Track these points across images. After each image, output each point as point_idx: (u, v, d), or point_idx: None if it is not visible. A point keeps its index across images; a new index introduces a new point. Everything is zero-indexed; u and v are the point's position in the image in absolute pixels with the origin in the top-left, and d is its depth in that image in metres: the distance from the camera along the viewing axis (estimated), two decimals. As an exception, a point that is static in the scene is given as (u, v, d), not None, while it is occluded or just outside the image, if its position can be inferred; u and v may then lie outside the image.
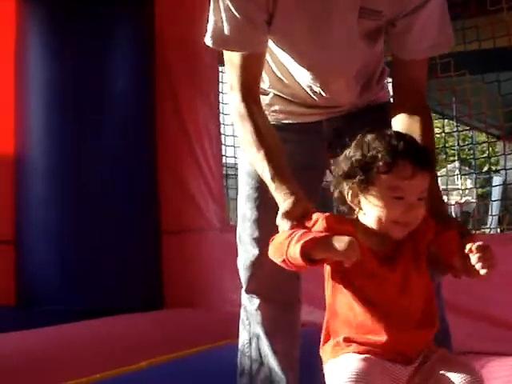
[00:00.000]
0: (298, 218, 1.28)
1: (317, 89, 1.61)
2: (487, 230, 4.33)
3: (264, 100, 1.62)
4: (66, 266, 3.54)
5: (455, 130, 4.98)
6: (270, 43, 1.55)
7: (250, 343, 1.75)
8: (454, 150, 6.51)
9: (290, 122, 1.69)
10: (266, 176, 1.40)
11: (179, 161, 3.83)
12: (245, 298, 1.75)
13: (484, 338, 2.74)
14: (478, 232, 4.17)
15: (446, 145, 5.22)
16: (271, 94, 1.67)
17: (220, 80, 3.85)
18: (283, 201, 1.32)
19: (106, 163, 3.67)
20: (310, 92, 1.62)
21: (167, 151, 3.85)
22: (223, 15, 1.45)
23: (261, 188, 1.58)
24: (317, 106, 1.66)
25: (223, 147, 3.85)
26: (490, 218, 5.55)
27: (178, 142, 3.83)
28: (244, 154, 1.59)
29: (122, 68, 3.81)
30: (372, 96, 1.71)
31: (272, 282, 1.66)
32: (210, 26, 1.50)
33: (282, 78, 1.62)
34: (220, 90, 3.85)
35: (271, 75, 1.63)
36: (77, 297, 3.49)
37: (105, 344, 2.82)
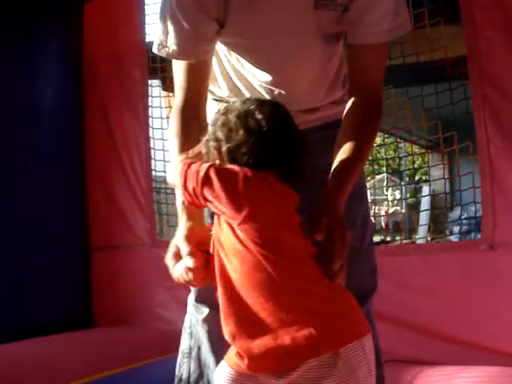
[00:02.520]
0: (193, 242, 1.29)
1: (277, 91, 1.55)
2: (415, 240, 4.43)
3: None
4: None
5: (384, 141, 5.09)
6: (226, 50, 1.53)
7: (190, 353, 1.69)
8: (383, 160, 6.67)
9: None
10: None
11: (108, 176, 3.78)
12: (192, 306, 1.68)
13: (412, 346, 2.79)
14: (406, 241, 4.27)
15: (378, 155, 5.33)
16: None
17: (150, 94, 3.82)
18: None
19: (33, 178, 3.58)
20: (268, 96, 1.55)
21: (96, 166, 3.80)
22: (171, 24, 1.43)
23: None
24: None
25: (153, 161, 3.82)
26: (420, 227, 5.70)
27: (108, 156, 3.77)
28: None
29: (49, 82, 3.74)
30: (334, 107, 1.62)
31: None
32: (157, 35, 1.47)
33: (240, 85, 1.58)
34: (149, 104, 3.81)
35: (229, 83, 1.59)
36: (1, 317, 3.37)
37: (33, 365, 2.75)
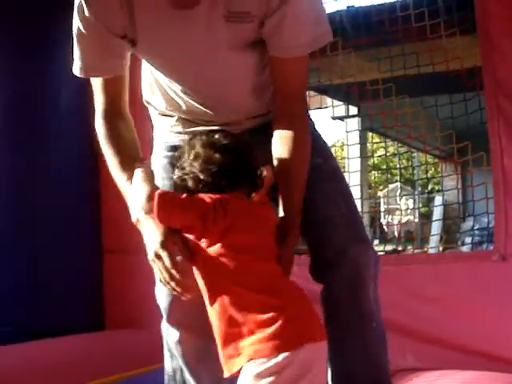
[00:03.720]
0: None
1: (210, 104, 1.54)
2: (427, 250, 4.43)
3: (169, 122, 1.62)
4: (2, 285, 3.44)
5: (397, 151, 5.10)
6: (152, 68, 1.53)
7: (175, 376, 1.69)
8: (396, 170, 6.67)
9: None
10: (121, 182, 1.51)
11: (123, 179, 3.78)
12: (164, 329, 1.67)
13: (421, 355, 2.78)
14: (417, 251, 4.27)
15: (390, 165, 5.34)
16: (176, 117, 1.61)
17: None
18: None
19: (47, 180, 3.59)
20: (204, 109, 1.55)
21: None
22: (78, 42, 1.46)
23: None
24: (216, 124, 1.56)
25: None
26: (431, 237, 5.68)
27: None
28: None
29: (67, 80, 3.75)
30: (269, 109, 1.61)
31: (193, 311, 1.50)
32: (74, 57, 1.48)
33: (177, 99, 1.56)
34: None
35: (167, 98, 1.58)
36: (14, 318, 3.39)
37: (42, 366, 2.76)
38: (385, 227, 6.23)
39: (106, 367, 2.76)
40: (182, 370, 1.66)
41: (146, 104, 1.67)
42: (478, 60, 2.90)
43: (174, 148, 1.58)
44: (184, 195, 1.30)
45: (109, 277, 3.77)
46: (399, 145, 4.84)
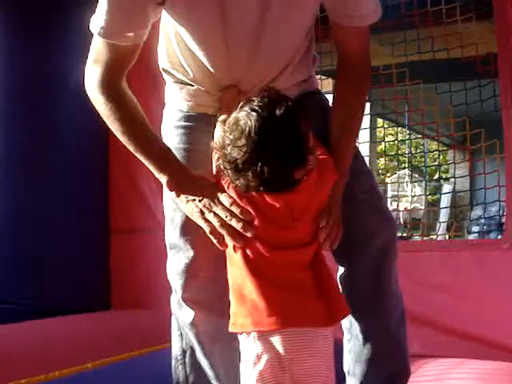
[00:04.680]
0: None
1: (236, 71, 1.46)
2: (434, 237, 4.41)
3: (188, 90, 1.54)
4: (10, 264, 3.45)
5: (407, 137, 5.06)
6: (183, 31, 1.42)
7: (184, 356, 1.64)
8: (405, 157, 6.63)
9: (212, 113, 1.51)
10: (142, 147, 1.48)
11: (131, 159, 3.74)
12: (176, 307, 1.61)
13: (429, 342, 2.78)
14: (425, 238, 4.25)
15: (399, 152, 5.31)
16: (195, 87, 1.53)
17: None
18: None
19: (56, 158, 3.59)
20: (225, 75, 1.48)
21: (119, 149, 3.78)
22: (110, 6, 1.34)
23: None
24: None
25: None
26: (439, 224, 5.66)
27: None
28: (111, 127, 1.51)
29: (74, 64, 3.74)
30: (301, 82, 1.58)
31: (210, 287, 1.52)
32: (98, 16, 1.37)
33: (209, 67, 1.47)
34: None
35: (189, 63, 1.49)
36: (21, 296, 3.40)
37: (50, 345, 2.76)
38: (392, 214, 6.20)
39: (111, 346, 2.76)
40: (192, 350, 1.62)
41: (162, 71, 1.60)
42: (494, 46, 2.87)
43: (189, 118, 1.56)
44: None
45: (115, 257, 3.78)
46: (409, 132, 4.80)
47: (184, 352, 1.64)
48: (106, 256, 3.78)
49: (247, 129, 1.18)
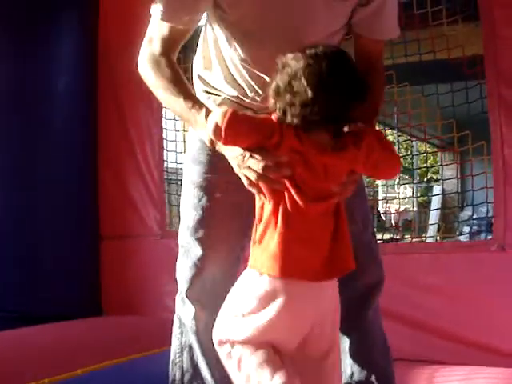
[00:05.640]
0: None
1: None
2: (425, 239, 4.42)
3: (215, 101, 1.59)
4: (0, 272, 3.44)
5: (396, 139, 5.06)
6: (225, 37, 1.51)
7: (182, 353, 1.68)
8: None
9: None
10: (183, 109, 1.44)
11: (120, 165, 3.78)
12: (180, 305, 1.67)
13: (419, 345, 2.79)
14: (416, 240, 4.26)
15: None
16: (222, 96, 1.59)
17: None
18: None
19: (45, 165, 3.59)
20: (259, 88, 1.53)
21: (109, 155, 3.80)
22: None
23: (206, 194, 1.58)
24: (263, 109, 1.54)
25: (165, 152, 3.82)
26: (429, 226, 5.68)
27: (120, 146, 3.77)
28: (159, 96, 1.54)
29: (64, 69, 3.74)
30: None
31: (213, 287, 1.58)
32: (156, 1, 1.49)
33: (235, 74, 1.54)
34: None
35: (225, 71, 1.56)
36: (12, 304, 3.40)
37: (41, 351, 2.76)
38: (382, 216, 6.23)
39: (101, 352, 2.76)
40: (191, 348, 1.66)
41: (196, 78, 1.64)
42: (480, 48, 2.88)
43: None
44: (254, 116, 1.36)
45: (106, 263, 3.77)
46: (398, 133, 4.81)
47: (182, 349, 1.68)
48: (97, 262, 3.78)
49: (312, 69, 1.27)
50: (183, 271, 1.63)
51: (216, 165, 1.54)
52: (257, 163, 1.29)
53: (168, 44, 1.51)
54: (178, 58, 1.56)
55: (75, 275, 3.60)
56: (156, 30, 1.53)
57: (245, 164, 1.31)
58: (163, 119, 3.80)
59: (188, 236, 1.61)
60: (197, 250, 1.59)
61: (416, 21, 3.11)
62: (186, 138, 4.13)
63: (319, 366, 1.38)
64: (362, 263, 1.51)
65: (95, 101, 3.85)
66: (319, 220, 1.33)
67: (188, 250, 1.61)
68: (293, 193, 1.29)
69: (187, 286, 1.62)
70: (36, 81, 3.59)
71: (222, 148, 1.36)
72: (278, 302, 1.29)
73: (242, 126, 1.29)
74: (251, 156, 1.30)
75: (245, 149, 1.31)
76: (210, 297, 1.59)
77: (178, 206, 3.91)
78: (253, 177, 1.30)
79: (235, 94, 1.56)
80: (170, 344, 1.74)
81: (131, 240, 3.72)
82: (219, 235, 1.60)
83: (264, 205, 1.33)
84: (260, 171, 1.28)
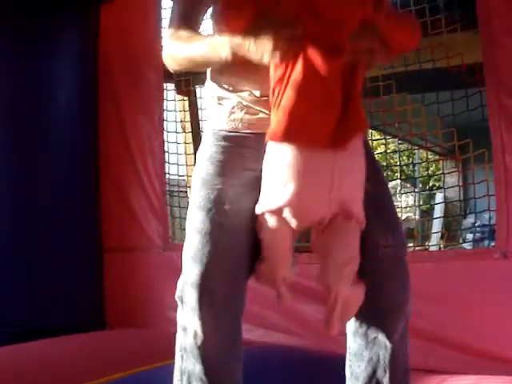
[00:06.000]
0: None
1: None
2: (428, 247, 4.40)
3: (226, 106, 1.55)
4: (2, 285, 3.43)
5: (398, 147, 5.06)
6: None
7: (182, 378, 1.58)
8: (397, 166, 6.65)
9: (253, 131, 1.52)
10: (201, 46, 1.44)
11: (122, 178, 3.79)
12: (182, 322, 1.56)
13: (423, 354, 2.77)
14: (419, 248, 4.24)
15: (391, 161, 5.31)
16: (234, 100, 1.54)
17: (164, 98, 3.83)
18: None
19: (46, 177, 3.59)
20: None
21: (110, 168, 3.81)
22: None
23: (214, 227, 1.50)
24: None
25: (166, 165, 3.83)
26: (432, 235, 5.66)
27: (121, 158, 3.79)
28: (176, 58, 1.54)
29: (64, 81, 3.75)
30: None
31: (222, 305, 1.50)
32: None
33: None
34: (164, 108, 3.82)
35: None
36: (14, 318, 3.39)
37: (43, 365, 2.74)
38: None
39: (107, 366, 2.74)
40: (189, 375, 1.55)
41: (211, 82, 1.61)
42: (479, 56, 2.88)
43: (226, 139, 1.54)
44: None
45: (109, 276, 3.77)
46: (400, 142, 4.81)
47: (182, 374, 1.59)
48: (100, 275, 3.78)
49: None
50: (189, 285, 1.51)
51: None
52: (269, 30, 1.28)
53: (187, 21, 1.53)
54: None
55: (78, 288, 3.59)
56: (174, 12, 1.57)
57: (259, 37, 1.29)
58: (164, 132, 3.81)
59: (196, 245, 1.52)
60: (205, 260, 1.49)
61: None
62: (188, 151, 4.15)
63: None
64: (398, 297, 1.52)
65: (96, 113, 3.86)
66: (333, 80, 1.31)
67: (195, 262, 1.50)
68: (307, 50, 1.29)
69: (196, 303, 1.50)
70: (36, 94, 3.59)
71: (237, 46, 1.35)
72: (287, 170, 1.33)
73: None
74: (262, 27, 1.29)
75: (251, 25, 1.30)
76: (223, 303, 1.51)
77: (181, 218, 3.89)
78: (269, 45, 1.28)
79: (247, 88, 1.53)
80: (174, 357, 1.71)
81: (134, 252, 3.72)
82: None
83: (277, 69, 1.33)
84: (273, 38, 1.27)
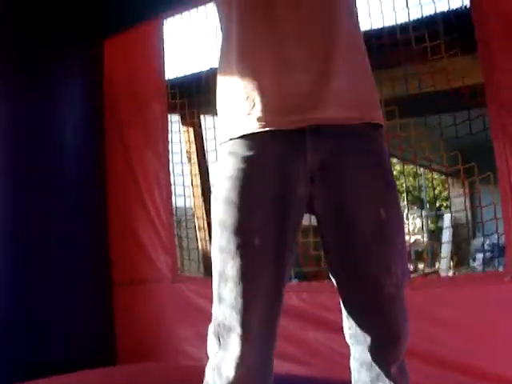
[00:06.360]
0: None
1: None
2: (438, 269, 4.38)
3: (224, 148, 1.48)
4: (9, 320, 3.41)
5: (403, 170, 5.08)
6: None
7: None
8: (403, 188, 6.65)
9: (265, 129, 1.42)
10: None
11: (130, 211, 3.80)
12: (212, 375, 1.45)
13: (437, 381, 2.74)
14: (428, 270, 4.23)
15: (397, 183, 5.30)
16: (228, 139, 1.47)
17: (170, 129, 3.85)
18: None
19: (54, 211, 3.60)
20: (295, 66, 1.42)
21: (117, 201, 3.82)
22: None
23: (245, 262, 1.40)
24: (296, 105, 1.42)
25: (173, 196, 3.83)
26: (441, 260, 5.61)
27: (129, 191, 3.80)
28: None
29: (69, 119, 3.78)
30: (362, 106, 1.47)
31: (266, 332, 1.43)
32: None
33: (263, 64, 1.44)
34: (169, 140, 3.83)
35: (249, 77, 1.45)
36: (23, 353, 3.37)
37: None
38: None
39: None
40: None
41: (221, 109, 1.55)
42: (479, 77, 2.88)
43: (247, 159, 1.44)
44: None
45: (119, 309, 3.76)
46: (404, 161, 4.83)
47: None
48: (110, 309, 3.76)
49: None
50: (218, 334, 1.42)
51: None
52: None
53: None
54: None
55: (88, 323, 3.58)
56: None
57: None
58: (170, 163, 3.82)
59: (228, 292, 1.42)
60: (237, 303, 1.40)
61: (415, 56, 3.13)
62: (194, 182, 4.17)
63: None
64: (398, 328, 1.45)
65: (103, 148, 3.88)
66: None
67: (224, 305, 1.42)
68: None
69: (242, 325, 1.40)
70: (42, 132, 3.61)
71: None
72: None
73: None
74: None
75: None
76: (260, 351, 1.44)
77: (189, 249, 3.89)
78: None
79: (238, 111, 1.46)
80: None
81: (143, 285, 3.72)
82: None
83: None
84: None
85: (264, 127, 1.41)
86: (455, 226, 6.19)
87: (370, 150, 1.46)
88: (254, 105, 1.43)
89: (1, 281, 3.43)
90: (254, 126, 1.42)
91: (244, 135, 1.44)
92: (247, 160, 1.42)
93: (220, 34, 1.58)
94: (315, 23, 1.44)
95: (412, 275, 3.97)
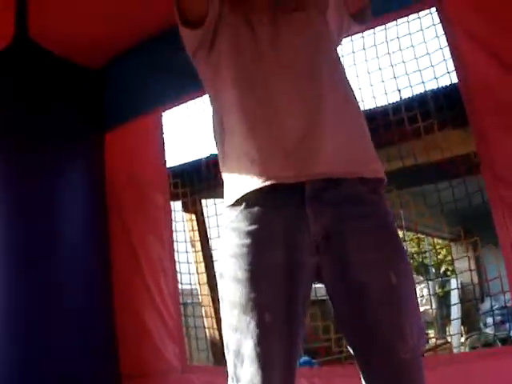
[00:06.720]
0: None
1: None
2: (451, 349, 4.29)
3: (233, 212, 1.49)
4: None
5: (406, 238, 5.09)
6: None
7: None
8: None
9: (265, 183, 1.43)
10: None
11: (136, 301, 3.78)
12: None
13: None
14: (440, 341, 4.16)
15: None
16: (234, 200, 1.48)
17: (173, 219, 3.87)
18: None
19: (60, 306, 3.57)
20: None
21: (123, 292, 3.81)
22: None
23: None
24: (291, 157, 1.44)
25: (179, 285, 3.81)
26: (452, 322, 5.55)
27: (134, 282, 3.79)
28: None
29: (73, 210, 3.80)
30: (359, 156, 1.50)
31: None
32: None
33: (249, 136, 1.47)
34: (173, 229, 3.85)
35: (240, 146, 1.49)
36: None
37: None
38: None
39: None
40: None
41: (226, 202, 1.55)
42: (470, 146, 2.92)
43: (250, 234, 1.45)
44: None
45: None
46: (407, 233, 4.85)
47: None
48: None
49: None
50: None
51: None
52: None
53: None
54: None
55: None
56: None
57: None
58: (175, 252, 3.83)
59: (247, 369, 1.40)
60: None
61: (409, 135, 3.19)
62: (199, 269, 4.15)
63: None
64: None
65: (107, 239, 3.89)
66: None
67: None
68: None
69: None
70: (45, 223, 3.61)
71: None
72: None
73: None
74: None
75: None
76: None
77: (197, 339, 3.83)
78: None
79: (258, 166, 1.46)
80: None
81: (152, 377, 3.65)
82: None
83: None
84: None
85: (264, 182, 1.42)
86: (462, 290, 6.15)
87: (372, 214, 1.46)
88: (252, 161, 1.45)
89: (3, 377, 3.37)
90: (255, 183, 1.43)
91: (246, 202, 1.45)
92: (250, 235, 1.43)
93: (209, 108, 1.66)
94: (299, 66, 1.51)
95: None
